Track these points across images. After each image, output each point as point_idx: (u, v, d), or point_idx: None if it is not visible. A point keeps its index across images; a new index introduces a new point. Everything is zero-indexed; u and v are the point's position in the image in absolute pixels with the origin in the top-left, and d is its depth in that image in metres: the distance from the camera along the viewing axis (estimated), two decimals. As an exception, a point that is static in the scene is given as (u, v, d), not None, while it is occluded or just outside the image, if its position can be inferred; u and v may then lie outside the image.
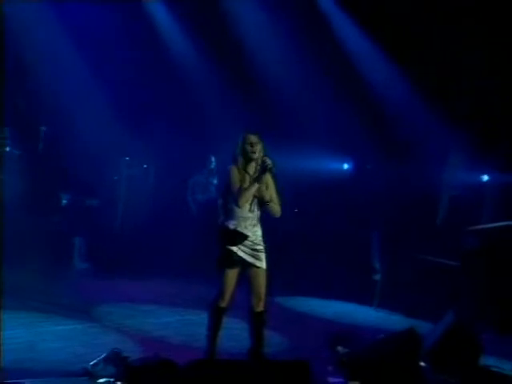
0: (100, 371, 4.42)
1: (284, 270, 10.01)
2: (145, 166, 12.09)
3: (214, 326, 5.89)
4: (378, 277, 9.61)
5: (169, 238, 10.58)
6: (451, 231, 10.13)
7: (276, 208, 6.05)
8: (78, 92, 10.71)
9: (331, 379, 6.05)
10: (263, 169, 5.86)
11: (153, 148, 11.67)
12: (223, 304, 5.87)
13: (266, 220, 10.20)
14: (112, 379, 4.31)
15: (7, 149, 10.86)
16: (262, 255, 5.95)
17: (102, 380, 4.31)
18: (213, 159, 11.39)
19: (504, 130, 10.95)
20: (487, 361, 6.89)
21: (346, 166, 12.61)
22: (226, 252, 5.83)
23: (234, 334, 6.65)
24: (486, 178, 11.57)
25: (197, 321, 7.29)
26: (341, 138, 11.64)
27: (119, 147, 11.26)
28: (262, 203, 5.93)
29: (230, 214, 5.89)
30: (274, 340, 7.33)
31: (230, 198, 5.90)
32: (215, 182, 11.58)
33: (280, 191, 7.92)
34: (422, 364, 6.74)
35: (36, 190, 10.47)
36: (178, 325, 7.53)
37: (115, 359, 4.48)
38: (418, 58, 10.85)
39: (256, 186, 5.84)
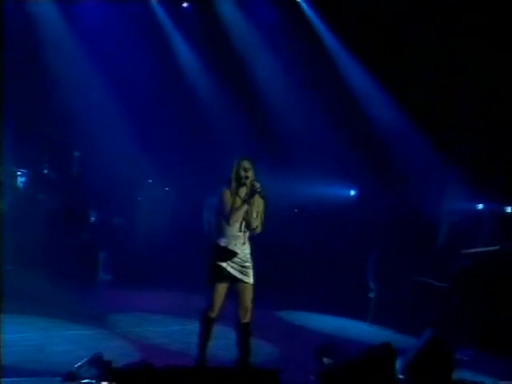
0: (84, 373, 4.43)
1: (289, 287, 10.08)
2: (166, 188, 12.10)
3: (205, 335, 5.89)
4: (372, 295, 9.50)
5: (185, 255, 10.52)
6: (448, 254, 10.05)
7: (258, 231, 6.01)
8: (106, 121, 10.89)
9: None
10: (252, 192, 5.85)
11: (174, 172, 11.71)
12: (213, 315, 5.88)
13: (275, 240, 10.23)
14: (94, 381, 4.32)
15: (45, 171, 11.14)
16: (250, 271, 5.94)
17: (84, 381, 4.31)
18: None
19: (500, 165, 10.85)
20: (464, 375, 6.78)
21: (352, 193, 12.58)
22: (217, 267, 5.83)
23: (228, 343, 6.44)
24: (480, 206, 11.49)
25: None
26: (348, 169, 11.62)
27: (143, 171, 11.36)
28: (248, 226, 5.90)
29: (221, 233, 5.89)
30: (267, 350, 7.32)
31: (221, 218, 5.90)
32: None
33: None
34: (400, 376, 6.70)
35: (68, 208, 10.64)
36: (180, 334, 7.44)
37: (98, 362, 4.48)
38: (417, 95, 10.82)
39: (245, 207, 5.84)
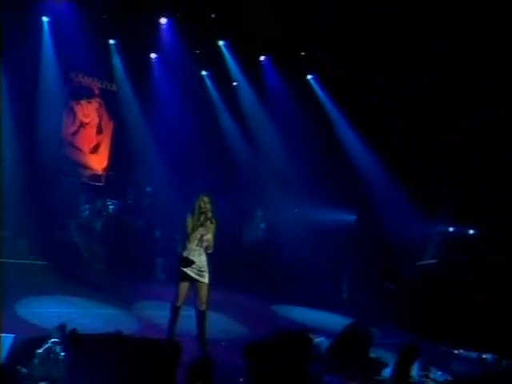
0: (54, 334, 4.94)
1: (288, 287, 10.19)
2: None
3: (172, 318, 6.47)
4: (345, 295, 9.66)
5: (225, 263, 10.39)
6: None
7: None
8: (169, 165, 11.69)
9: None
10: (204, 220, 6.40)
11: (218, 201, 12.12)
12: (178, 304, 6.45)
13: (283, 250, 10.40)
14: (58, 340, 4.93)
15: (129, 201, 12.15)
16: (206, 274, 6.46)
17: (53, 339, 4.87)
18: (259, 212, 12.01)
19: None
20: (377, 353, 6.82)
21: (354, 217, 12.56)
22: (181, 271, 6.42)
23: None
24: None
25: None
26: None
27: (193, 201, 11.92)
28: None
29: (184, 247, 6.48)
30: (242, 333, 7.59)
31: (184, 236, 6.50)
32: (263, 226, 12.14)
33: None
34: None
35: (141, 227, 11.55)
36: (183, 318, 6.83)
37: (63, 328, 5.05)
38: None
39: (201, 229, 6.38)
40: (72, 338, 4.86)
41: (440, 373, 6.65)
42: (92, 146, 12.82)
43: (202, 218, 6.42)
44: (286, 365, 5.65)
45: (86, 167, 12.62)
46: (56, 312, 6.93)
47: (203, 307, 6.44)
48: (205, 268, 6.46)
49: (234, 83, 12.78)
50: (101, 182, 12.70)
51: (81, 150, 12.65)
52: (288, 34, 10.65)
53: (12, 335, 4.35)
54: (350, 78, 11.12)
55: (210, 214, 6.44)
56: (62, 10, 10.10)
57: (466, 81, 9.55)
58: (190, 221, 6.46)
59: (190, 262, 6.40)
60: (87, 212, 11.43)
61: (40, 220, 10.36)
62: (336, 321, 9.08)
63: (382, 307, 9.00)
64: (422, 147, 10.57)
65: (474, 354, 7.41)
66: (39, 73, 10.77)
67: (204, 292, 6.43)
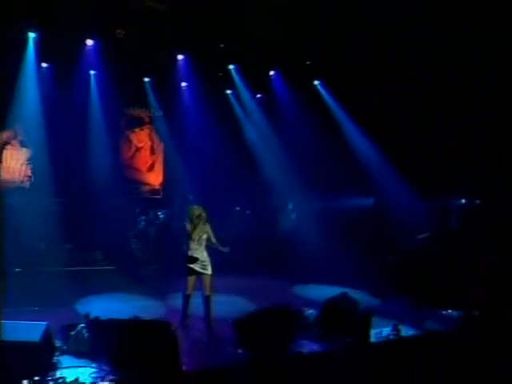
0: (81, 321, 6.23)
1: (307, 268, 10.55)
2: (248, 211, 13.47)
3: (185, 304, 7.51)
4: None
5: (259, 254, 11.69)
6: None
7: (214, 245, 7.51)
8: (202, 174, 12.92)
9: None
10: (199, 223, 7.46)
11: (252, 200, 13.08)
12: (188, 292, 7.48)
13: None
14: (84, 325, 6.16)
15: (175, 210, 13.41)
16: (209, 267, 7.48)
17: (81, 325, 6.14)
18: (290, 206, 12.88)
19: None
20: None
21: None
22: (187, 267, 7.50)
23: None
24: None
25: (216, 300, 7.54)
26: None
27: (234, 201, 12.97)
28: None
29: (188, 247, 7.56)
30: (247, 308, 7.90)
31: (188, 238, 7.57)
32: (293, 216, 13.00)
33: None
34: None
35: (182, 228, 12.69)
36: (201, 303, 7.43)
37: (87, 316, 6.31)
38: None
39: (198, 232, 7.46)
40: (93, 323, 6.14)
41: (411, 332, 7.23)
42: (148, 165, 14.55)
43: (196, 223, 7.47)
44: (271, 335, 6.48)
45: (145, 184, 14.39)
46: (105, 305, 8.17)
47: (208, 292, 7.48)
48: (207, 262, 7.51)
49: (258, 95, 13.69)
50: (159, 195, 14.32)
51: (139, 170, 14.43)
52: (292, 46, 11.27)
53: (45, 323, 5.66)
54: (353, 79, 11.59)
55: (203, 219, 7.47)
56: (103, 63, 11.47)
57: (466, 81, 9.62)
58: (188, 227, 7.55)
59: (194, 259, 7.49)
60: (143, 222, 12.89)
61: (107, 232, 11.86)
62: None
63: (385, 278, 9.45)
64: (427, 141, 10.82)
65: (455, 313, 7.89)
66: (89, 114, 12.38)
67: (208, 281, 7.46)
